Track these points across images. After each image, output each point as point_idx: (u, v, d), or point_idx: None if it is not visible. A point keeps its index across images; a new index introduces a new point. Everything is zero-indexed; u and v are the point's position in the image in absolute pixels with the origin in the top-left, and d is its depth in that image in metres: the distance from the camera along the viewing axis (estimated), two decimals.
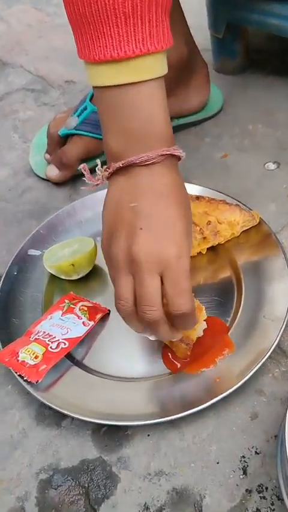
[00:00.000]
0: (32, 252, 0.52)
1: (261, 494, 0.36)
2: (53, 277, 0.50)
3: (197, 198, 0.51)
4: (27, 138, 0.68)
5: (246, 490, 0.36)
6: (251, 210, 0.51)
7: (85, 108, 0.58)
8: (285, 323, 0.43)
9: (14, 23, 0.89)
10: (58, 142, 0.60)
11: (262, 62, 0.72)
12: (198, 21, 0.68)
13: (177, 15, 0.57)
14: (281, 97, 0.67)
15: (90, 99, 0.59)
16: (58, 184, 0.61)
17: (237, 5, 0.63)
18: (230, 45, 0.68)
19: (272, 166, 0.59)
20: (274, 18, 0.61)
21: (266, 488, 0.36)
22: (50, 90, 0.75)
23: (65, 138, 0.60)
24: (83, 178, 0.42)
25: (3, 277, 0.49)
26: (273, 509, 0.35)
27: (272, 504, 0.36)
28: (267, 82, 0.69)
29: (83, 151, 0.59)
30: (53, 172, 0.60)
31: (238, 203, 0.51)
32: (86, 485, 0.38)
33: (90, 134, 0.58)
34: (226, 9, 0.64)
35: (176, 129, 0.65)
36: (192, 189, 0.54)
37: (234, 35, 0.67)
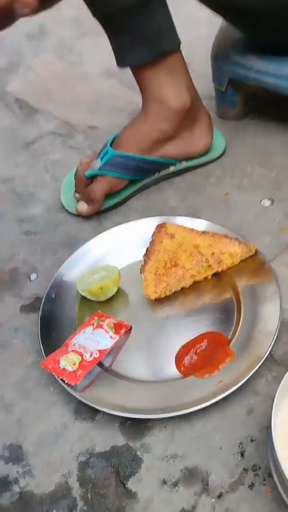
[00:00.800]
0: (66, 278, 0.63)
1: (255, 472, 0.46)
2: (84, 299, 0.60)
3: (203, 233, 0.62)
4: (57, 178, 0.79)
5: (243, 469, 0.46)
6: (248, 242, 0.61)
7: (107, 152, 0.69)
8: (275, 336, 0.52)
9: (41, 71, 1.01)
10: (85, 182, 0.71)
11: (260, 110, 0.82)
12: (203, 71, 0.79)
13: (181, 68, 0.68)
14: (277, 141, 0.78)
15: (111, 144, 0.70)
16: (86, 218, 0.71)
17: (238, 65, 0.74)
18: (231, 96, 0.79)
19: (267, 203, 0.69)
20: (270, 77, 0.71)
21: (259, 467, 0.46)
22: (75, 134, 0.86)
23: (91, 179, 0.71)
24: None
25: (43, 300, 0.60)
26: (265, 484, 0.45)
27: (264, 480, 0.45)
28: (264, 128, 0.80)
29: (106, 188, 0.70)
30: (83, 207, 0.71)
31: (237, 237, 0.61)
32: (116, 465, 0.48)
33: (112, 173, 0.69)
34: (228, 67, 0.75)
35: (184, 171, 0.75)
36: (200, 224, 0.64)
37: (234, 88, 0.78)
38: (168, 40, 0.64)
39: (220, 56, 0.76)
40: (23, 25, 1.12)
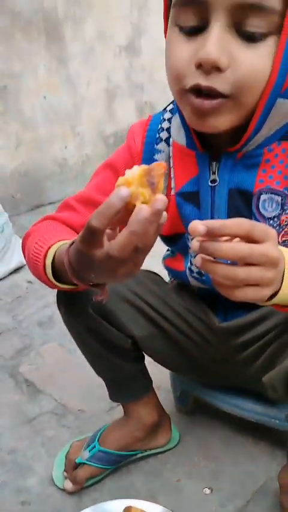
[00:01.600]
0: None
1: None
2: None
3: None
4: (51, 453, 1.03)
5: None
6: None
7: (94, 447, 0.95)
8: None
9: (47, 357, 1.34)
10: (74, 465, 0.95)
11: (206, 407, 1.13)
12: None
13: (151, 383, 0.98)
14: (216, 436, 1.05)
15: (98, 439, 0.97)
16: (70, 493, 0.93)
17: (203, 391, 1.04)
18: (184, 399, 1.10)
19: (207, 491, 0.93)
20: (221, 402, 1.00)
21: None
22: (68, 415, 1.14)
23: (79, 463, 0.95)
24: None
25: None
26: None
27: None
28: (209, 423, 1.09)
29: (89, 475, 0.93)
30: (69, 485, 0.93)
31: None
32: None
33: (96, 465, 0.94)
34: (192, 389, 1.06)
35: (148, 455, 1.01)
36: (157, 509, 0.87)
37: (187, 392, 1.10)
38: (147, 383, 0.96)
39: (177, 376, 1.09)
40: (37, 313, 1.51)
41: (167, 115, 0.77)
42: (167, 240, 0.84)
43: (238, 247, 0.49)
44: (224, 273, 0.50)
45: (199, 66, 0.58)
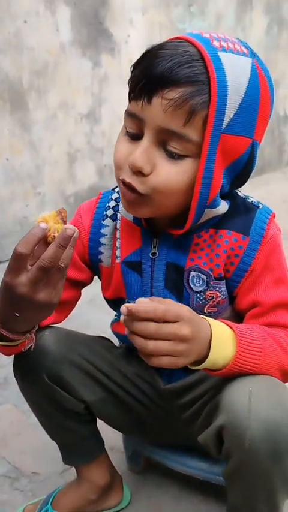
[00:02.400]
0: None
1: None
2: None
3: None
4: None
5: None
6: None
7: (47, 510, 0.97)
8: None
9: (1, 419, 1.35)
10: None
11: (157, 466, 1.16)
12: None
13: (103, 455, 1.01)
14: (168, 495, 1.09)
15: (51, 503, 0.98)
16: None
17: (153, 451, 1.08)
18: (135, 459, 1.14)
19: None
20: (171, 461, 1.04)
21: None
22: (21, 478, 1.15)
23: None
24: None
25: None
26: None
27: None
28: (160, 481, 1.12)
29: None
30: None
31: None
32: None
33: None
34: (143, 449, 1.10)
35: None
36: None
37: (139, 454, 1.14)
38: (100, 445, 0.99)
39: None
40: None
41: (115, 195, 0.88)
42: (111, 303, 0.93)
43: (146, 326, 0.64)
44: (138, 344, 0.65)
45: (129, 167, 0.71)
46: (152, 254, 0.82)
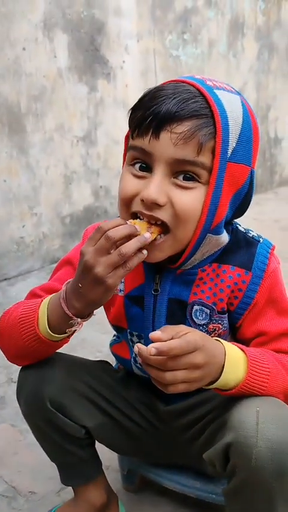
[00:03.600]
0: None
1: None
2: None
3: None
4: None
5: None
6: None
7: None
8: None
9: None
10: None
11: (153, 484, 1.19)
12: None
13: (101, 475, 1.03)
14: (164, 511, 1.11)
15: None
16: None
17: (148, 470, 1.10)
18: (131, 478, 1.16)
19: None
20: (178, 485, 1.05)
21: None
22: (18, 497, 1.16)
23: None
24: None
25: None
26: None
27: None
28: (155, 494, 1.15)
29: None
30: None
31: None
32: None
33: None
34: (138, 468, 1.12)
35: None
36: None
37: (134, 472, 1.16)
38: (98, 466, 1.01)
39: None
40: None
41: None
42: (114, 327, 0.96)
43: (162, 361, 0.67)
44: (155, 375, 0.68)
45: (142, 201, 0.74)
46: (154, 291, 0.85)
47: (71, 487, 1.05)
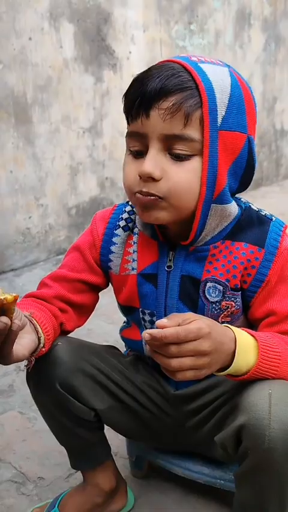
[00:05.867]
0: None
1: None
2: None
3: None
4: None
5: None
6: None
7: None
8: None
9: (7, 426, 1.38)
10: None
11: (160, 470, 1.19)
12: None
13: (110, 460, 1.04)
14: (170, 499, 1.12)
15: (59, 505, 1.01)
16: None
17: (156, 456, 1.11)
18: (139, 464, 1.17)
19: None
20: (186, 470, 1.04)
21: None
22: (27, 483, 1.17)
23: None
24: None
25: None
26: None
27: None
28: (163, 486, 1.15)
29: None
30: None
31: None
32: None
33: None
34: (146, 454, 1.12)
35: None
36: None
37: (141, 457, 1.17)
38: (107, 451, 1.02)
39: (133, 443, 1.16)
40: None
41: (128, 208, 0.93)
42: (124, 309, 0.96)
43: (169, 347, 0.68)
44: (162, 363, 0.69)
45: (140, 179, 0.76)
46: (167, 267, 0.86)
47: (79, 473, 1.06)
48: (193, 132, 0.74)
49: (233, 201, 0.82)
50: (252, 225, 0.84)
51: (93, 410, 0.93)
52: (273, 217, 0.86)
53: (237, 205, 0.84)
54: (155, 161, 0.75)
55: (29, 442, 1.31)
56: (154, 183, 0.76)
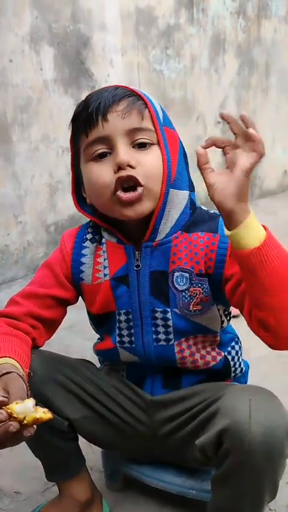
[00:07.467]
0: None
1: None
2: None
3: None
4: None
5: None
6: None
7: None
8: None
9: None
10: None
11: (135, 483, 1.22)
12: None
13: (84, 471, 1.07)
14: (146, 509, 1.14)
15: None
16: None
17: (130, 468, 1.13)
18: (114, 477, 1.20)
19: None
20: (159, 481, 1.08)
21: None
22: (3, 498, 1.19)
23: None
24: None
25: None
26: None
27: None
28: (138, 499, 1.18)
29: None
30: None
31: None
32: None
33: None
34: (121, 467, 1.15)
35: None
36: None
37: (118, 472, 1.19)
38: (81, 461, 1.04)
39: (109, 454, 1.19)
40: None
41: (92, 223, 0.99)
42: (98, 319, 0.99)
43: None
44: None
45: (118, 168, 0.83)
46: (136, 266, 0.92)
47: (55, 487, 1.08)
48: (149, 125, 0.86)
49: (186, 190, 0.90)
50: (204, 220, 0.92)
51: (66, 420, 0.96)
52: None
53: (193, 202, 0.92)
54: (127, 152, 0.84)
55: (4, 457, 1.32)
56: (132, 170, 0.83)
